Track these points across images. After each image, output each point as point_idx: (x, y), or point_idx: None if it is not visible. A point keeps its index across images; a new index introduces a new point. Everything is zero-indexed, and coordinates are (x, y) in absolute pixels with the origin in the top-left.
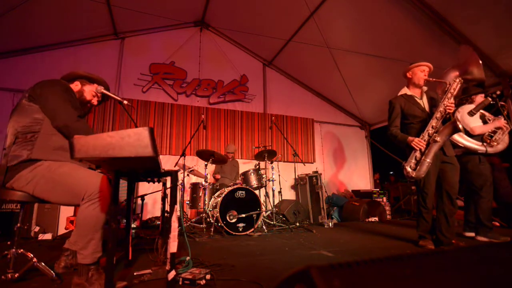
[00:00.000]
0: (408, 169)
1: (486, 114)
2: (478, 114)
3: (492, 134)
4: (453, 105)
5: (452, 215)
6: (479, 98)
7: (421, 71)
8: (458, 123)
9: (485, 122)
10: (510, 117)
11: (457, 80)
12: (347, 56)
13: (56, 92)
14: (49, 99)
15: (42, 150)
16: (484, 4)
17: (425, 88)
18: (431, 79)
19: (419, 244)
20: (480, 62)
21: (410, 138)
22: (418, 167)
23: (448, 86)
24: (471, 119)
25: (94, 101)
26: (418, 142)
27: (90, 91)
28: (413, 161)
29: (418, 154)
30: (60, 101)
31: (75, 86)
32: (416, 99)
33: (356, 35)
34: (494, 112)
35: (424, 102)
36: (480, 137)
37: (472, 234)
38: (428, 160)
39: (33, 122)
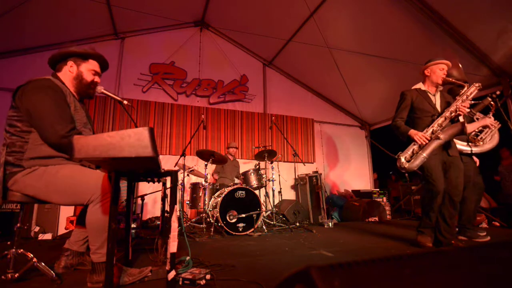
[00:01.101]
0: (403, 159)
1: (476, 113)
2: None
3: (479, 133)
4: (466, 108)
5: (452, 217)
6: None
7: (440, 70)
8: (465, 126)
9: (473, 121)
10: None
11: (476, 85)
12: (347, 56)
13: (42, 103)
14: (33, 111)
15: (32, 161)
16: (484, 4)
17: (441, 88)
18: (451, 79)
19: (418, 239)
20: (460, 65)
21: (413, 131)
22: (413, 159)
23: (466, 89)
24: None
25: (97, 79)
26: (422, 137)
27: (88, 70)
28: (409, 153)
29: (416, 147)
30: (47, 115)
31: (70, 68)
32: (429, 94)
33: (356, 35)
34: (493, 112)
35: (437, 99)
36: (465, 137)
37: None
38: (424, 154)
39: (21, 132)
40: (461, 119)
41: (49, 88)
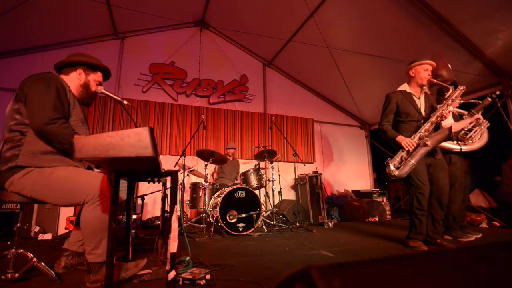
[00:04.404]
0: (392, 167)
1: (465, 113)
2: (450, 114)
3: (468, 132)
4: (450, 112)
5: (440, 218)
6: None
7: (425, 70)
8: (452, 132)
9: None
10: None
11: (461, 88)
12: (347, 56)
13: (36, 90)
14: (28, 99)
15: (28, 156)
16: (484, 5)
17: (425, 88)
18: (435, 81)
19: (410, 245)
20: (449, 65)
21: (400, 137)
22: (402, 166)
23: (451, 92)
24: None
25: (99, 89)
26: (409, 143)
27: (94, 81)
28: (398, 159)
29: (404, 154)
30: (37, 101)
31: (79, 75)
32: (414, 97)
33: (356, 35)
34: (482, 111)
35: (422, 103)
36: (454, 136)
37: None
38: (412, 161)
39: (19, 124)
40: (450, 119)
41: (50, 79)
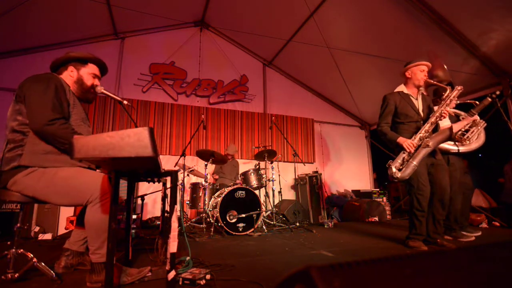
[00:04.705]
0: (394, 169)
1: (462, 113)
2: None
3: (465, 133)
4: (447, 113)
5: (441, 218)
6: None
7: (421, 71)
8: (453, 132)
9: (459, 120)
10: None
11: (458, 88)
12: (347, 56)
13: (35, 91)
14: (27, 99)
15: (31, 156)
16: (484, 4)
17: (422, 89)
18: (432, 81)
19: (409, 245)
20: (445, 66)
21: (401, 138)
22: (404, 168)
23: (448, 92)
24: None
25: (96, 82)
26: (410, 145)
27: (88, 74)
28: (400, 161)
29: (405, 155)
30: (36, 101)
31: (71, 72)
32: (412, 98)
33: (356, 35)
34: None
35: (419, 104)
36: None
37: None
38: (414, 163)
39: (21, 124)
40: (446, 120)
41: (49, 79)
